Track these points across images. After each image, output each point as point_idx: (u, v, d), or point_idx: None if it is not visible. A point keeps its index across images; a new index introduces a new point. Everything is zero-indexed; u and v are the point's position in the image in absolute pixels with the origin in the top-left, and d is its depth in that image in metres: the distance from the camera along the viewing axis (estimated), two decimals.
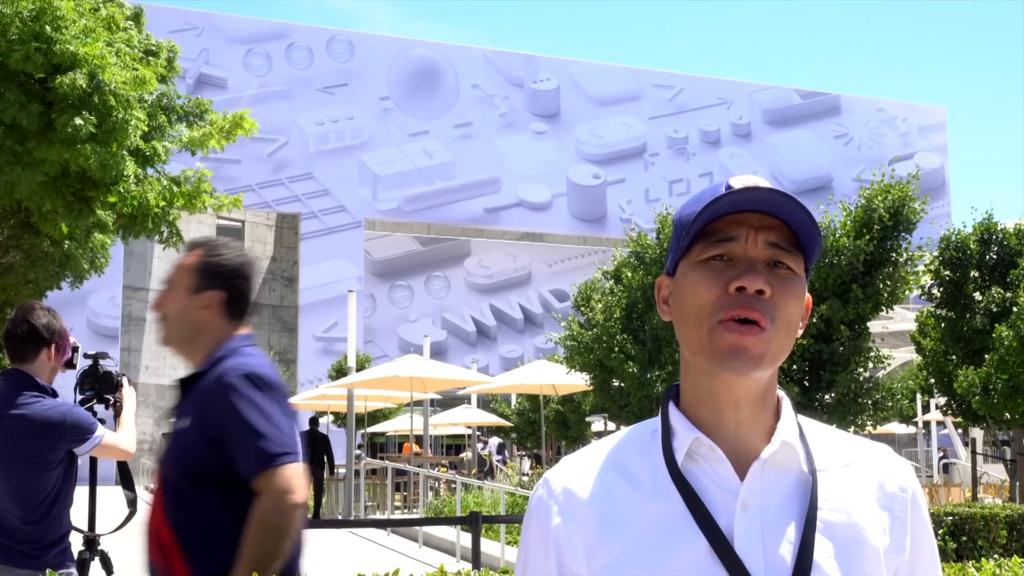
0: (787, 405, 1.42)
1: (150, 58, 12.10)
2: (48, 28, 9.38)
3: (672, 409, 1.41)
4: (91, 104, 9.44)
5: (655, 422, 1.44)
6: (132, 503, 4.63)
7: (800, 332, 1.41)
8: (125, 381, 4.48)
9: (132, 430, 4.31)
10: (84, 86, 9.33)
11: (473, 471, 26.33)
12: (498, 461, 30.46)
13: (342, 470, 23.48)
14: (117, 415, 4.49)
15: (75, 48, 9.40)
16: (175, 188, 11.45)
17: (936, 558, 1.44)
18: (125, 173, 9.95)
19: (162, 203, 10.87)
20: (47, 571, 3.73)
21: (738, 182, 1.37)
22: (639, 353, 17.24)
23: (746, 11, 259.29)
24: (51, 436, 3.90)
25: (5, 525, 3.89)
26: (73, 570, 4.05)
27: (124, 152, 9.87)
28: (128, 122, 9.69)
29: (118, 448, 4.15)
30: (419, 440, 27.69)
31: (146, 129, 10.33)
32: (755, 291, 1.32)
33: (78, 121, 9.27)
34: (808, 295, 1.43)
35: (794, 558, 1.30)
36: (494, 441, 35.95)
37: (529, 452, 36.20)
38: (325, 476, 21.23)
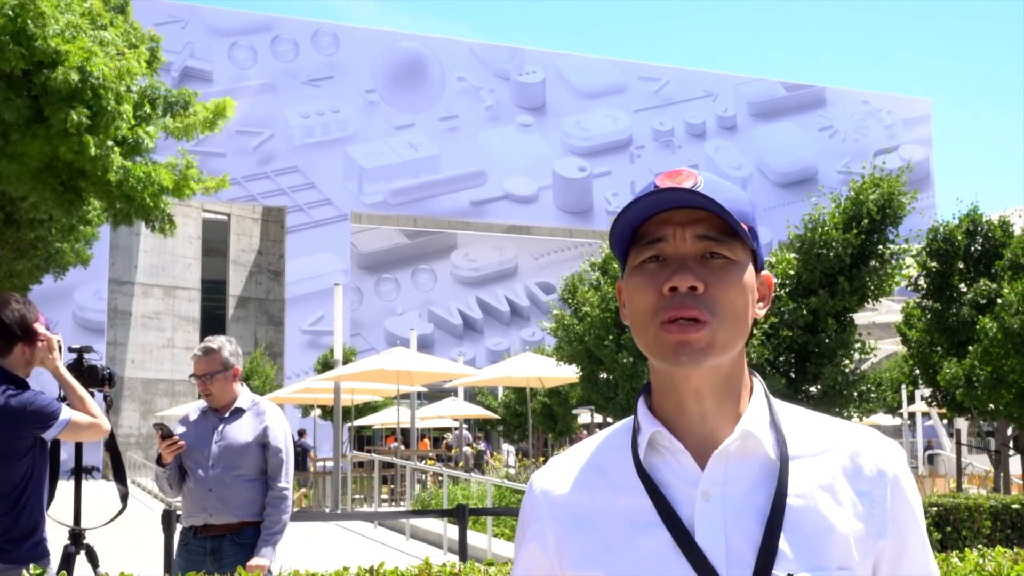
0: (759, 391, 1.42)
1: (132, 50, 12.08)
2: (30, 24, 9.35)
3: (640, 404, 1.43)
4: (82, 97, 9.43)
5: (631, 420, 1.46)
6: (124, 498, 4.62)
7: (761, 314, 1.41)
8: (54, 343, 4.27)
9: (89, 400, 4.09)
10: (75, 79, 9.31)
11: (461, 464, 26.36)
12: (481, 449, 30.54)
13: (329, 463, 23.50)
14: (108, 408, 4.47)
15: (57, 44, 9.37)
16: (163, 172, 11.41)
17: (925, 542, 1.41)
18: (110, 163, 9.94)
19: (160, 179, 10.82)
20: (31, 566, 3.71)
21: (662, 178, 1.37)
22: (631, 342, 17.27)
23: (731, 4, 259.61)
24: (12, 425, 3.86)
25: None
26: (48, 560, 4.02)
27: (110, 143, 9.85)
28: (120, 115, 9.69)
29: (87, 424, 4.01)
30: (405, 433, 27.67)
31: (133, 122, 10.31)
32: (687, 288, 1.32)
33: (73, 115, 9.26)
34: (767, 274, 1.42)
35: (758, 547, 1.29)
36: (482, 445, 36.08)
37: (516, 444, 36.28)
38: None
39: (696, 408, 1.37)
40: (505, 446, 36.99)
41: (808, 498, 1.33)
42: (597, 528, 1.36)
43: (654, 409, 1.41)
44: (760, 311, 1.41)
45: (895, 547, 1.36)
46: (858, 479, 1.36)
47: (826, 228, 14.88)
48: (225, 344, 5.07)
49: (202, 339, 5.18)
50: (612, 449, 1.43)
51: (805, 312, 14.70)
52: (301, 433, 24.18)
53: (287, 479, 4.97)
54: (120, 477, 4.72)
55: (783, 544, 1.30)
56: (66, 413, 3.97)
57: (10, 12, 9.38)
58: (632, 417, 1.45)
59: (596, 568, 1.34)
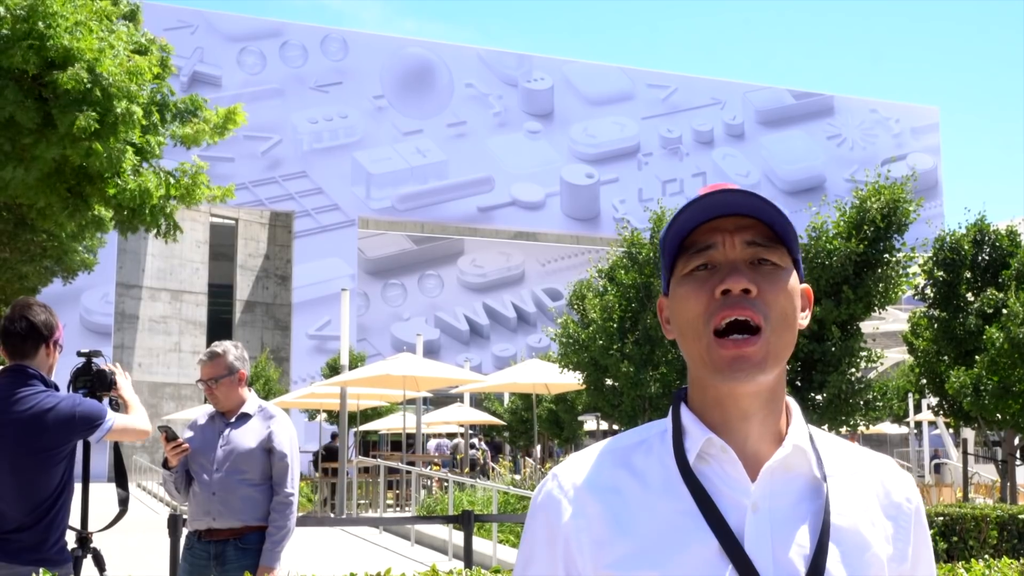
0: (797, 412, 1.44)
1: (141, 58, 12.09)
2: (40, 25, 9.36)
3: (684, 410, 1.42)
4: (92, 98, 9.43)
5: (662, 424, 1.45)
6: (124, 502, 4.62)
7: (805, 323, 1.43)
8: (116, 367, 4.49)
9: (140, 409, 4.37)
10: (85, 80, 9.31)
11: (466, 470, 26.34)
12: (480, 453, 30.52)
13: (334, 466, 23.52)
14: (117, 410, 4.50)
15: (68, 43, 9.38)
16: (172, 180, 11.44)
17: (934, 570, 1.46)
18: (123, 167, 9.96)
19: (161, 193, 10.86)
20: (41, 570, 3.73)
21: (706, 189, 1.39)
22: (635, 352, 17.24)
23: (740, 11, 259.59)
24: (62, 430, 3.90)
25: (10, 522, 3.88)
26: (70, 567, 4.05)
27: (121, 145, 9.86)
28: (131, 115, 9.69)
29: (132, 429, 4.19)
30: (411, 439, 27.63)
31: (144, 123, 10.33)
32: (741, 291, 1.34)
33: (82, 120, 9.26)
34: (805, 286, 1.44)
35: (808, 561, 1.31)
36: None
37: (522, 452, 36.20)
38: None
39: (741, 425, 1.38)
40: (476, 441, 36.56)
41: (848, 517, 1.37)
42: (640, 530, 1.34)
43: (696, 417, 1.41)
44: (804, 321, 1.42)
45: (911, 573, 1.42)
46: (888, 503, 1.41)
47: (829, 236, 14.87)
48: (230, 349, 5.09)
49: (209, 343, 5.23)
50: (645, 452, 1.42)
51: (810, 321, 14.69)
52: (334, 436, 27.05)
53: (293, 485, 4.97)
54: (121, 481, 4.73)
55: (829, 560, 1.32)
56: (110, 416, 4.05)
57: (21, 13, 9.40)
58: (663, 422, 1.45)
59: (644, 571, 1.32)
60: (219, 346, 5.10)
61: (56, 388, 4.09)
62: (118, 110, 9.58)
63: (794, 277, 1.40)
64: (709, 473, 1.36)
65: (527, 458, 32.36)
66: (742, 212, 1.36)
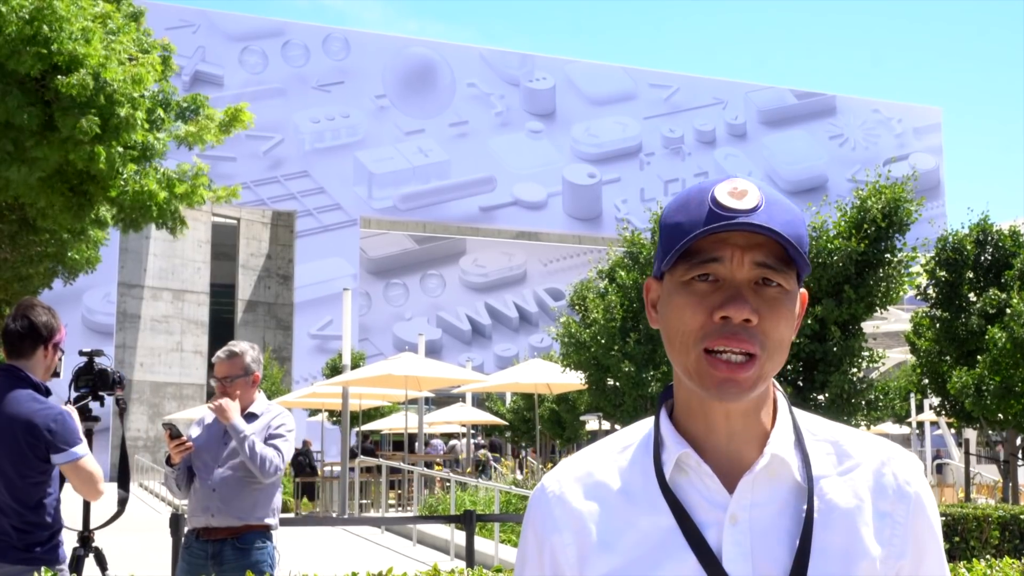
0: (783, 408, 1.39)
1: (144, 56, 12.10)
2: (46, 28, 9.36)
3: (663, 419, 1.40)
4: (95, 103, 9.44)
5: (648, 428, 1.42)
6: (123, 503, 4.63)
7: (794, 333, 1.37)
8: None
9: (97, 470, 4.08)
10: (91, 87, 9.33)
11: (468, 470, 26.33)
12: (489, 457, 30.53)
13: (336, 468, 23.53)
14: (122, 412, 4.50)
15: (73, 48, 9.38)
16: (173, 178, 11.44)
17: (941, 557, 1.39)
18: (120, 171, 9.97)
19: (163, 193, 10.88)
20: (42, 569, 3.74)
21: (723, 193, 1.30)
22: (636, 351, 17.24)
23: (742, 11, 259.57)
24: (30, 438, 3.89)
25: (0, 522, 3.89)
26: (65, 566, 4.05)
27: (121, 149, 9.88)
28: (135, 121, 9.70)
29: (92, 477, 4.00)
30: (413, 438, 27.65)
31: (147, 127, 10.34)
32: (741, 320, 1.28)
33: (84, 123, 9.27)
34: (803, 291, 1.38)
35: (787, 572, 1.28)
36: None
37: (515, 452, 36.24)
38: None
39: (724, 428, 1.35)
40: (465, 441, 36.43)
41: (835, 522, 1.32)
42: (622, 548, 1.33)
43: (678, 424, 1.38)
44: (795, 332, 1.37)
45: (913, 565, 1.35)
46: (881, 498, 1.35)
47: (830, 236, 14.86)
48: (248, 350, 5.13)
49: (211, 343, 5.27)
50: (631, 462, 1.39)
51: (811, 321, 14.67)
52: (366, 437, 26.27)
53: (284, 454, 5.01)
54: (124, 482, 4.74)
55: (813, 569, 1.28)
56: (83, 450, 4.00)
57: (26, 15, 9.39)
58: (651, 429, 1.41)
59: None
60: (237, 346, 5.15)
61: (48, 393, 4.07)
62: (121, 113, 9.59)
63: (795, 299, 1.34)
64: (687, 485, 1.34)
65: (517, 459, 32.45)
66: (759, 231, 1.28)
